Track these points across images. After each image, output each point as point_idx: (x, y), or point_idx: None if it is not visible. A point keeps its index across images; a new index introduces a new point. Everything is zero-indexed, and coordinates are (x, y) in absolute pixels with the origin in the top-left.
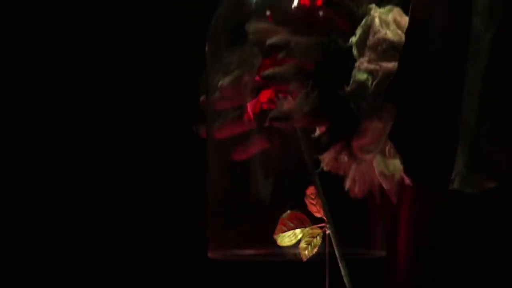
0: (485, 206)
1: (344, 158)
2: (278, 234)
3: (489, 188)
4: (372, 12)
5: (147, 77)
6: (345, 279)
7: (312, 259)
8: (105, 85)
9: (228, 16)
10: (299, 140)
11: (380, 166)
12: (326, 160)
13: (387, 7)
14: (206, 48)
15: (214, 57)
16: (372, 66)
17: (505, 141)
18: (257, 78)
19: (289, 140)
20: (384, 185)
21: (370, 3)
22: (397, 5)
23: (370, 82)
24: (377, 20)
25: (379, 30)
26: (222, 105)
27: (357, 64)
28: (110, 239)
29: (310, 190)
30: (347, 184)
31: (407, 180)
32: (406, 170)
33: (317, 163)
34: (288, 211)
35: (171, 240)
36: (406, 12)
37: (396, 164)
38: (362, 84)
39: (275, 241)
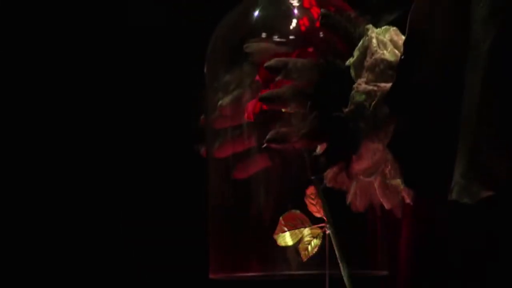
0: (485, 218)
1: (343, 178)
2: (278, 234)
3: (487, 198)
4: (369, 32)
5: (149, 81)
6: (345, 280)
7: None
8: (107, 88)
9: (227, 36)
10: (302, 158)
11: (381, 187)
12: (328, 177)
13: (384, 27)
14: (205, 68)
15: (213, 77)
16: (370, 87)
17: (502, 151)
18: (257, 77)
19: (291, 159)
20: (386, 205)
21: (367, 23)
22: (395, 20)
23: (368, 103)
24: (374, 41)
25: (376, 50)
26: (222, 124)
27: (355, 85)
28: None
29: (310, 190)
30: (349, 198)
31: (408, 199)
32: (406, 181)
33: (321, 179)
34: (289, 211)
35: (173, 261)
36: (403, 27)
37: (397, 184)
38: (360, 105)
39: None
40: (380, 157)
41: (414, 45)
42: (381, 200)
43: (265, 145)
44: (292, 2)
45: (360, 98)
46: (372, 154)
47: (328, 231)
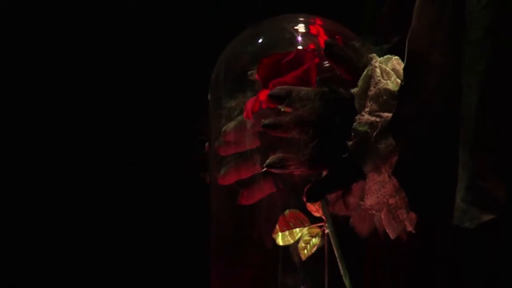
0: (486, 241)
1: (341, 207)
2: (277, 233)
3: (487, 222)
4: (373, 62)
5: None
6: (345, 279)
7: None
8: (109, 89)
9: (231, 64)
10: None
11: (386, 217)
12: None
13: (386, 56)
14: (209, 95)
15: (217, 103)
16: (372, 118)
17: (501, 174)
18: (256, 77)
19: (296, 185)
20: (390, 235)
21: (371, 52)
22: (393, 47)
23: (371, 134)
24: (377, 70)
25: (379, 80)
26: (227, 151)
27: (357, 116)
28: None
29: None
30: (352, 222)
31: (410, 227)
32: (412, 206)
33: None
34: (288, 210)
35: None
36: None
37: (401, 213)
38: (363, 137)
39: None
40: (388, 189)
41: (413, 72)
42: (386, 229)
43: (264, 169)
44: (297, 28)
45: (362, 128)
46: (379, 186)
47: (327, 231)
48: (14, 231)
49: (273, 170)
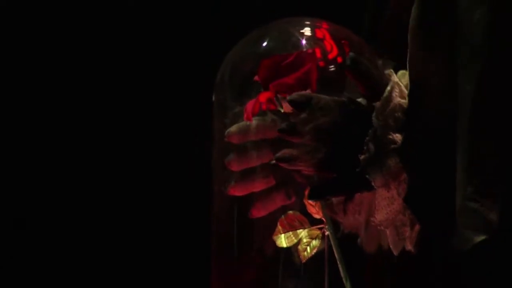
0: (479, 262)
1: (338, 210)
2: (277, 235)
3: (480, 243)
4: (392, 78)
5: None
6: (345, 281)
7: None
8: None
9: (236, 67)
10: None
11: (392, 235)
12: (343, 224)
13: (401, 72)
14: (213, 97)
15: (221, 106)
16: (386, 134)
17: (493, 196)
18: (256, 78)
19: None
20: (394, 251)
21: (389, 68)
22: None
23: (382, 150)
24: (395, 87)
25: (395, 96)
26: (238, 167)
27: (370, 132)
28: None
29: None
30: (360, 241)
31: (409, 246)
32: (421, 224)
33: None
34: (288, 212)
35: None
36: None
37: (405, 231)
38: (375, 152)
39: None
40: (396, 206)
41: (416, 98)
42: (390, 245)
43: (273, 161)
44: (303, 32)
45: (375, 144)
46: (388, 202)
47: (327, 232)
48: (14, 231)
49: (281, 164)
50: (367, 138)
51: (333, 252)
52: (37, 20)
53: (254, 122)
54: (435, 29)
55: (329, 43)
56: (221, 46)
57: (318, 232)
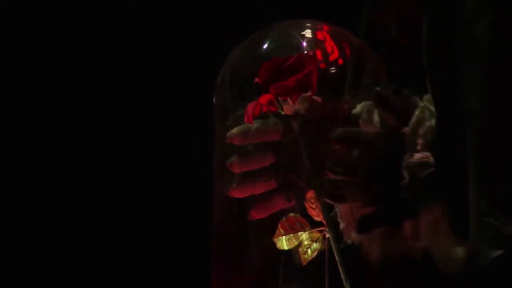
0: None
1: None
2: (277, 237)
3: (497, 258)
4: (420, 103)
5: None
6: (345, 284)
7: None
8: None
9: (237, 69)
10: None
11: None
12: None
13: (427, 96)
14: (214, 99)
15: (222, 107)
16: (423, 157)
17: (509, 210)
18: (257, 80)
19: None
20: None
21: (414, 95)
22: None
23: (421, 174)
24: (426, 111)
25: (427, 118)
26: (240, 169)
27: (407, 157)
28: None
29: (310, 194)
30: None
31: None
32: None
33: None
34: (289, 215)
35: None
36: None
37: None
38: (414, 176)
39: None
40: (442, 229)
41: (443, 116)
42: (440, 266)
43: (326, 200)
44: (304, 34)
45: (409, 172)
46: (433, 226)
47: (327, 235)
48: (14, 231)
49: (330, 200)
50: (403, 165)
51: (334, 254)
52: (37, 20)
53: (256, 124)
54: (448, 50)
55: (330, 45)
56: (221, 46)
57: (318, 234)
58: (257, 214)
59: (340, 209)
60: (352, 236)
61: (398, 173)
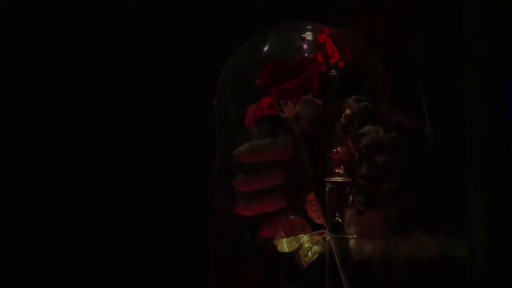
0: None
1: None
2: (278, 240)
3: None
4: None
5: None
6: (346, 286)
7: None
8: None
9: (237, 71)
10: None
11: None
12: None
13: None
14: (215, 101)
15: (223, 110)
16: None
17: None
18: (258, 83)
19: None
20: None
21: None
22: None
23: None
24: None
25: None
26: (247, 187)
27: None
28: None
29: (311, 197)
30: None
31: None
32: None
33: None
34: (289, 217)
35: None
36: None
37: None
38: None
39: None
40: None
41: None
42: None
43: (359, 207)
44: (304, 37)
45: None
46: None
47: (328, 238)
48: (14, 231)
49: (367, 209)
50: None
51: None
52: (37, 20)
53: (265, 141)
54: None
55: (331, 48)
56: (222, 46)
57: (319, 237)
58: (266, 233)
59: (353, 226)
60: (365, 252)
61: (422, 174)
